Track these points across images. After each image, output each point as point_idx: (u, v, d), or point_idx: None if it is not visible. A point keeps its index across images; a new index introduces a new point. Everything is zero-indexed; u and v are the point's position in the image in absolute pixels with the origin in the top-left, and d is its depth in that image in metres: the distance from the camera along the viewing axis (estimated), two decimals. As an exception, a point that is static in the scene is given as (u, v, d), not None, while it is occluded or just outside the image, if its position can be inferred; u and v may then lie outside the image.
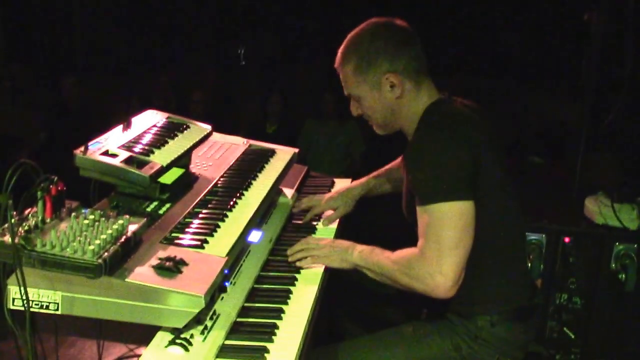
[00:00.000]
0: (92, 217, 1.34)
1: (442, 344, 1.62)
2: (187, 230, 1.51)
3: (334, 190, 2.16)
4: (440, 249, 1.49)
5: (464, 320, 1.62)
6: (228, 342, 1.35)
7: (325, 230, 2.01)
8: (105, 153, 1.54)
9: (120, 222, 1.34)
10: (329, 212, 2.05)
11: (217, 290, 1.41)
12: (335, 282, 1.77)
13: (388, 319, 1.81)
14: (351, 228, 2.11)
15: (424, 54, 1.66)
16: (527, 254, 2.34)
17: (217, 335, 1.32)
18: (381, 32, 1.64)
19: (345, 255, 1.70)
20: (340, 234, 2.00)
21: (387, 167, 2.11)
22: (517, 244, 1.71)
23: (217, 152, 2.06)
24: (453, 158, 1.51)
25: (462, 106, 1.68)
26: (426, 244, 1.52)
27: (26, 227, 1.25)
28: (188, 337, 1.26)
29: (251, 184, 1.86)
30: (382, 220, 2.08)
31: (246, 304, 1.51)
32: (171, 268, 1.28)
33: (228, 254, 1.43)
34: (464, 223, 1.50)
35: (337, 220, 2.05)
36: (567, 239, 2.36)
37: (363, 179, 2.12)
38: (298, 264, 1.72)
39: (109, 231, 1.29)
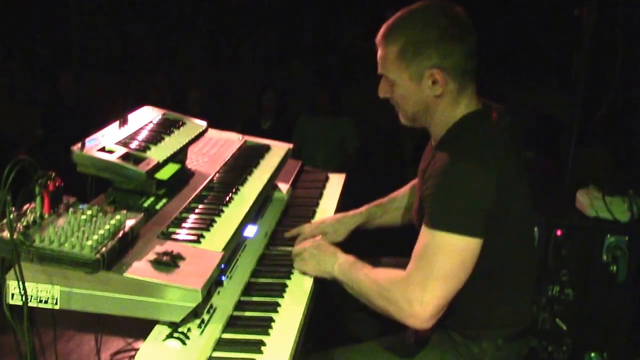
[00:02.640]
0: (89, 212, 1.36)
1: (442, 359, 1.56)
2: (183, 225, 1.52)
3: (330, 216, 2.00)
4: (428, 277, 1.38)
5: (469, 342, 1.54)
6: (225, 335, 1.37)
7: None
8: (102, 149, 1.55)
9: (118, 217, 1.35)
10: (317, 237, 1.82)
11: (213, 284, 1.43)
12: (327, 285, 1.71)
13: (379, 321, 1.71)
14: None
15: (477, 53, 1.48)
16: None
17: (214, 329, 1.34)
18: (439, 19, 1.44)
19: (324, 266, 1.60)
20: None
21: (390, 195, 1.99)
22: (531, 271, 1.63)
23: (213, 147, 2.07)
24: (476, 188, 1.38)
25: (498, 120, 1.52)
26: (416, 268, 1.41)
27: (24, 223, 1.26)
28: (185, 330, 1.28)
29: (247, 179, 1.87)
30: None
31: (242, 298, 1.52)
32: (168, 263, 1.30)
33: (224, 249, 1.44)
34: (462, 259, 1.39)
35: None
36: (559, 232, 2.39)
37: (362, 208, 1.96)
38: (295, 264, 1.68)
39: (107, 226, 1.30)
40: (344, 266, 1.57)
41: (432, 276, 1.38)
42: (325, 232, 1.88)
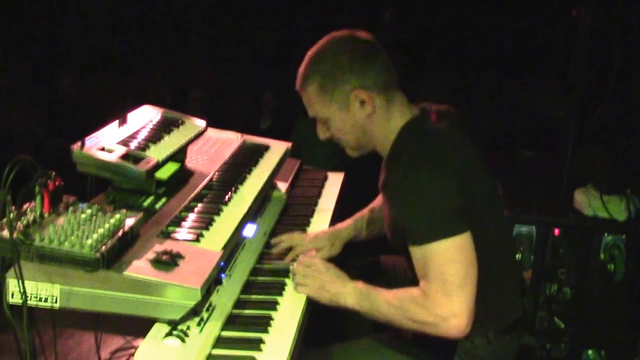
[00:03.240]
0: (89, 211, 1.36)
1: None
2: (183, 224, 1.53)
3: (321, 230, 1.92)
4: (447, 289, 1.38)
5: (461, 339, 1.52)
6: (224, 333, 1.38)
7: (320, 219, 2.01)
8: (102, 149, 1.56)
9: (117, 216, 1.36)
10: (312, 252, 1.81)
11: (213, 283, 1.43)
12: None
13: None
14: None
15: (392, 65, 1.53)
16: (518, 245, 2.37)
17: (214, 327, 1.35)
18: (343, 46, 1.50)
19: (336, 297, 1.53)
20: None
21: (369, 206, 1.96)
22: (509, 260, 1.65)
23: (212, 147, 2.08)
24: (440, 191, 1.39)
25: (438, 121, 1.54)
26: (430, 286, 1.40)
27: (24, 222, 1.27)
28: (185, 328, 1.28)
29: (246, 178, 1.88)
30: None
31: (242, 296, 1.53)
32: (168, 261, 1.30)
33: (223, 247, 1.45)
34: (466, 256, 1.40)
35: (330, 215, 2.05)
36: (556, 231, 2.40)
37: (349, 220, 1.93)
38: (294, 286, 1.57)
39: (106, 225, 1.31)
40: (358, 297, 1.52)
41: (450, 286, 1.38)
42: (321, 246, 1.82)
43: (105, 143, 1.58)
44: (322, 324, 1.67)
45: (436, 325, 1.41)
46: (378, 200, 1.96)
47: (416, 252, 1.43)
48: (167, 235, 1.45)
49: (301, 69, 1.55)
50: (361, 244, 1.95)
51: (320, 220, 2.05)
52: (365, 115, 1.51)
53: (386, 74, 1.51)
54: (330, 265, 1.61)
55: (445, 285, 1.38)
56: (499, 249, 1.57)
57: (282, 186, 2.14)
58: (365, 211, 1.95)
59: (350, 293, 1.53)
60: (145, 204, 1.60)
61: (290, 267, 1.63)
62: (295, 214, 2.08)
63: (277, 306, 1.51)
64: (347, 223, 1.92)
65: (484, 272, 1.49)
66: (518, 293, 1.65)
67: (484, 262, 1.48)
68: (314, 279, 1.56)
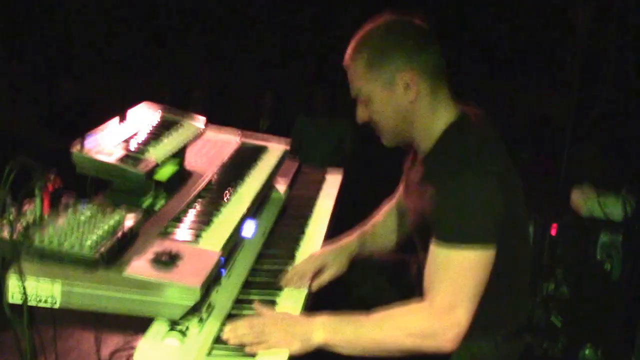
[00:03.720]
0: (89, 212, 1.37)
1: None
2: (182, 224, 1.53)
3: (324, 248, 1.81)
4: (458, 298, 1.34)
5: (468, 342, 1.44)
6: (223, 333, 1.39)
7: (316, 230, 2.02)
8: (101, 151, 1.57)
9: (117, 216, 1.37)
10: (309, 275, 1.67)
11: (212, 282, 1.44)
12: (327, 290, 1.69)
13: None
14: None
15: (443, 60, 1.48)
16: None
17: (213, 326, 1.36)
18: (399, 27, 1.48)
19: (305, 337, 1.35)
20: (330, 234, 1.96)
21: (371, 221, 1.87)
22: (527, 270, 1.63)
23: (212, 147, 2.09)
24: (486, 197, 1.36)
25: (480, 125, 1.51)
26: (439, 293, 1.35)
27: (24, 223, 1.28)
28: (184, 328, 1.29)
29: (244, 179, 1.89)
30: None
31: (240, 296, 1.54)
32: (167, 261, 1.31)
33: (222, 247, 1.46)
34: (486, 272, 1.36)
35: (329, 216, 2.04)
36: (553, 230, 2.41)
37: (352, 236, 1.83)
38: (248, 349, 1.31)
39: (106, 226, 1.32)
40: (331, 327, 1.37)
41: (461, 296, 1.34)
42: (327, 263, 1.71)
43: (105, 145, 1.59)
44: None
45: (436, 336, 1.34)
46: (380, 215, 1.89)
47: (439, 251, 1.37)
48: (166, 235, 1.46)
49: (352, 43, 1.50)
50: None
51: (319, 221, 2.06)
52: (408, 101, 1.45)
53: (437, 63, 1.47)
54: (281, 312, 1.47)
55: (457, 294, 1.34)
56: (518, 259, 1.53)
57: (281, 186, 2.15)
58: (368, 226, 1.87)
59: (319, 327, 1.37)
60: (145, 204, 1.60)
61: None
62: (294, 214, 2.10)
63: (276, 306, 1.52)
64: (351, 238, 1.82)
65: (501, 279, 1.44)
66: (526, 298, 1.64)
67: (503, 269, 1.43)
68: (271, 329, 1.35)
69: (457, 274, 1.34)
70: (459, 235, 1.35)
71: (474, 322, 1.44)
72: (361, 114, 1.53)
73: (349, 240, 1.82)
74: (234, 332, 1.34)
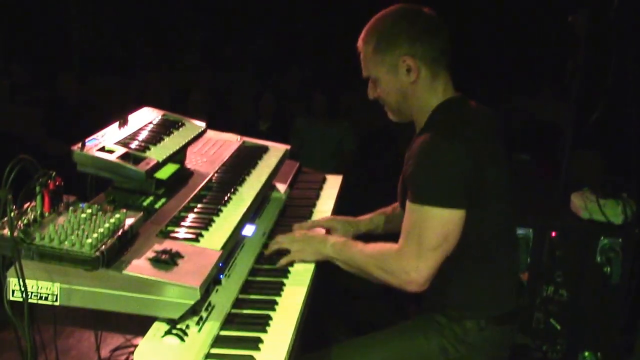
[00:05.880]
0: (89, 211, 1.37)
1: (427, 345, 1.62)
2: (182, 224, 1.54)
3: (340, 216, 2.02)
4: (420, 249, 1.52)
5: (452, 323, 1.62)
6: (223, 332, 1.38)
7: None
8: (102, 149, 1.57)
9: (117, 216, 1.37)
10: (322, 231, 1.91)
11: (212, 282, 1.44)
12: (323, 287, 1.76)
13: (375, 321, 1.84)
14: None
15: (449, 48, 1.63)
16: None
17: (212, 326, 1.35)
18: (407, 15, 1.63)
19: (318, 248, 1.71)
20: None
21: (394, 205, 2.00)
22: (510, 250, 1.71)
23: (212, 148, 2.09)
24: (456, 165, 1.50)
25: (474, 109, 1.66)
26: (407, 242, 1.55)
27: (25, 221, 1.28)
28: (184, 327, 1.29)
29: (245, 179, 1.89)
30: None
31: (240, 296, 1.54)
32: (167, 261, 1.31)
33: (222, 247, 1.46)
34: (448, 230, 1.51)
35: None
36: (553, 233, 2.41)
37: (368, 216, 2.03)
38: (278, 264, 1.69)
39: (106, 225, 1.32)
40: (337, 245, 1.69)
41: (423, 247, 1.52)
42: (335, 228, 1.95)
43: (106, 144, 1.59)
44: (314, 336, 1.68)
45: (399, 277, 1.55)
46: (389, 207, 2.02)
47: (412, 209, 1.55)
48: (166, 234, 1.46)
49: (365, 28, 1.67)
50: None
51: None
52: (409, 82, 1.62)
53: (438, 51, 1.61)
54: (309, 232, 1.81)
55: (419, 246, 1.52)
56: (500, 237, 1.64)
57: (281, 187, 2.16)
58: (388, 209, 2.03)
59: (330, 244, 1.70)
60: (145, 203, 1.61)
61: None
62: (294, 215, 2.09)
63: (276, 306, 1.52)
64: (366, 217, 2.03)
65: (482, 259, 1.59)
66: (512, 287, 1.70)
67: (484, 249, 1.58)
68: (301, 242, 1.72)
69: (423, 229, 1.52)
70: (428, 196, 1.52)
71: (458, 302, 1.61)
72: (371, 92, 1.71)
73: (363, 219, 2.02)
74: (268, 251, 1.71)
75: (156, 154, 1.65)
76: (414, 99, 1.64)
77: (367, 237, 1.94)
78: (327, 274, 1.74)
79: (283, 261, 1.70)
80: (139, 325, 1.29)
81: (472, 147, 1.52)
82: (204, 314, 1.36)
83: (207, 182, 1.81)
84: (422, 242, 1.52)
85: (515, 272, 1.78)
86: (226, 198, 1.72)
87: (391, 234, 1.77)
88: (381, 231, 2.02)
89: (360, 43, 1.67)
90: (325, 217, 2.01)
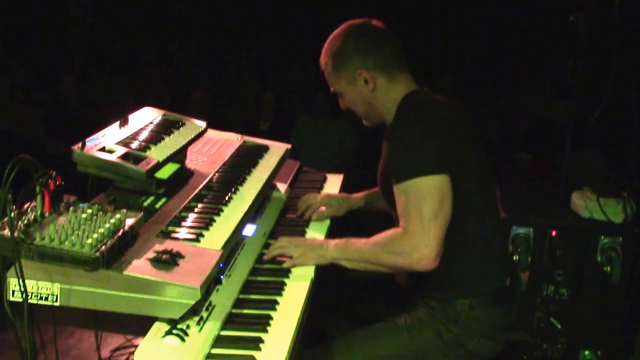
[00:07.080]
0: (89, 211, 1.37)
1: (423, 331, 1.67)
2: (183, 224, 1.54)
3: (336, 193, 2.20)
4: (422, 222, 1.56)
5: (443, 305, 1.67)
6: (223, 332, 1.39)
7: (318, 226, 2.04)
8: (102, 149, 1.57)
9: (118, 216, 1.37)
10: (322, 209, 2.08)
11: (212, 282, 1.44)
12: (322, 281, 1.76)
13: (374, 311, 1.85)
14: (342, 231, 2.11)
15: (400, 51, 1.77)
16: (516, 247, 2.38)
17: (213, 326, 1.36)
18: (354, 32, 1.77)
19: (320, 252, 1.72)
20: (330, 234, 2.00)
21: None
22: (492, 228, 1.76)
23: (212, 148, 2.09)
24: (427, 135, 1.60)
25: (438, 97, 1.76)
26: (408, 220, 1.59)
27: (25, 221, 1.28)
28: (184, 327, 1.29)
29: (245, 179, 1.89)
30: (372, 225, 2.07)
31: (241, 296, 1.54)
32: (168, 261, 1.31)
33: (223, 247, 1.46)
34: (441, 195, 1.58)
35: (328, 219, 2.06)
36: (554, 233, 2.41)
37: (362, 193, 2.14)
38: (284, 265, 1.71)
39: (107, 225, 1.32)
40: (340, 244, 1.72)
41: (424, 219, 1.57)
42: (331, 204, 2.07)
43: (106, 143, 1.59)
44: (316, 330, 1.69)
45: (410, 255, 1.58)
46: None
47: (399, 190, 1.62)
48: (167, 234, 1.46)
49: (323, 47, 1.82)
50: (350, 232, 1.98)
51: (319, 221, 2.06)
52: (369, 91, 1.76)
53: (389, 59, 1.74)
54: (306, 237, 1.88)
55: (420, 219, 1.57)
56: (481, 214, 1.71)
57: (282, 187, 2.16)
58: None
59: (331, 244, 1.74)
60: (145, 204, 1.61)
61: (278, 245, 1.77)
62: (295, 214, 2.10)
63: (276, 306, 1.52)
64: (359, 195, 2.14)
65: (462, 232, 1.65)
66: (500, 264, 1.76)
67: (463, 222, 1.64)
68: (297, 247, 1.74)
69: (419, 201, 1.58)
70: (412, 170, 1.59)
71: (448, 281, 1.66)
72: (341, 103, 1.86)
73: (356, 196, 2.14)
74: (268, 256, 1.73)
75: (157, 153, 1.64)
76: (378, 105, 1.77)
77: (360, 229, 1.94)
78: (326, 269, 1.74)
79: (285, 266, 1.71)
80: (140, 325, 1.29)
81: (438, 123, 1.63)
82: (204, 314, 1.36)
83: (207, 182, 1.81)
84: (422, 214, 1.56)
85: (503, 251, 1.85)
86: (227, 198, 1.72)
87: (383, 221, 1.81)
88: (374, 208, 2.10)
89: (321, 62, 1.82)
90: (324, 193, 2.13)
